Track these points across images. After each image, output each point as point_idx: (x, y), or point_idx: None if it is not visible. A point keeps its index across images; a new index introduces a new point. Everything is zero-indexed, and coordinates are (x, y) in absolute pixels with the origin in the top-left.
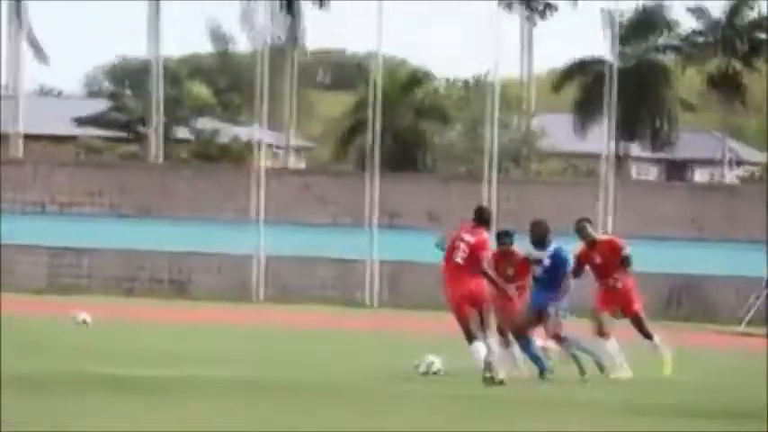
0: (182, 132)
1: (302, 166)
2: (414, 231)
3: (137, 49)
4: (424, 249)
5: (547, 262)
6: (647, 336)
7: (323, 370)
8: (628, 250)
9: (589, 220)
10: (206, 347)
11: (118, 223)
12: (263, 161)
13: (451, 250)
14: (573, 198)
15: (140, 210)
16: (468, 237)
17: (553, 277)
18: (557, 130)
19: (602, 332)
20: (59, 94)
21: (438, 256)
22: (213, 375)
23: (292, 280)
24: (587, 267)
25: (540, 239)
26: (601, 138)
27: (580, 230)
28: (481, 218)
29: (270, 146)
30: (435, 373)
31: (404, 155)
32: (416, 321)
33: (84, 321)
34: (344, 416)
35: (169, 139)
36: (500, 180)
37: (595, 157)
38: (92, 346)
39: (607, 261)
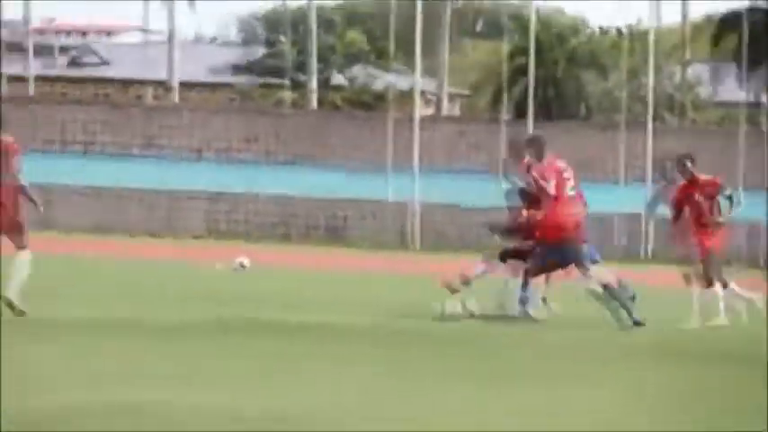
0: (336, 79)
1: (456, 113)
2: None
3: None
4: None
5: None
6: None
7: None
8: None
9: (691, 157)
10: (361, 294)
11: (273, 169)
12: (418, 108)
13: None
14: (729, 147)
15: (295, 156)
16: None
17: None
18: (713, 79)
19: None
20: (214, 40)
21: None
22: (365, 321)
23: (447, 228)
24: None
25: None
26: (761, 87)
27: (681, 167)
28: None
29: (424, 93)
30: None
31: (559, 103)
32: None
33: (242, 265)
34: (493, 363)
35: (323, 86)
36: (656, 129)
37: (756, 106)
38: (253, 291)
39: (709, 200)
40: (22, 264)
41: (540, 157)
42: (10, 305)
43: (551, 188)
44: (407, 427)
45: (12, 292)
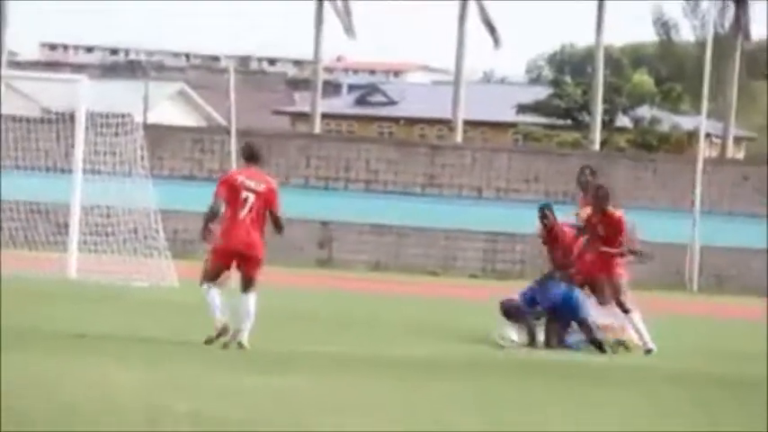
0: (621, 121)
1: (740, 156)
2: None
3: (580, 37)
4: None
5: None
6: None
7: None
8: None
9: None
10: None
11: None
12: (702, 151)
13: None
14: None
15: (576, 196)
16: None
17: None
18: None
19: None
20: (503, 80)
21: None
22: (650, 363)
23: (727, 271)
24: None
25: None
26: None
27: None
28: None
29: (709, 135)
30: None
31: None
32: None
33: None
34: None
35: (608, 127)
36: None
37: None
38: None
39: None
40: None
41: None
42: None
43: None
44: None
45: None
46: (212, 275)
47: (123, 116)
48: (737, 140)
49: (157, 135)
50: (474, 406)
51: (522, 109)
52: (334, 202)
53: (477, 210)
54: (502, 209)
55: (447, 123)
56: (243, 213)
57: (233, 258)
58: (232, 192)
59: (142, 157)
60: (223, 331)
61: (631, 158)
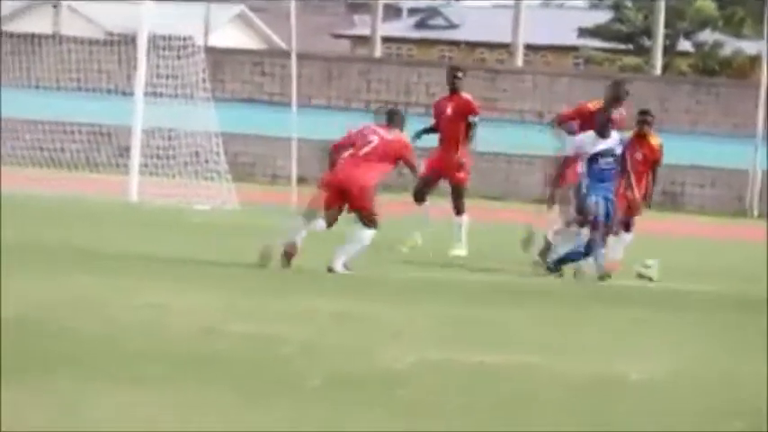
0: (683, 45)
1: None
2: None
3: None
4: None
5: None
6: None
7: None
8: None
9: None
10: (697, 260)
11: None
12: (766, 75)
13: None
14: None
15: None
16: None
17: None
18: None
19: None
20: (563, 4)
21: None
22: (701, 289)
23: None
24: None
25: None
26: None
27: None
28: None
29: None
30: None
31: None
32: None
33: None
34: None
35: (670, 52)
36: None
37: None
38: None
39: None
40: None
41: None
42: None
43: None
44: None
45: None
46: (314, 205)
47: (185, 39)
48: None
49: (218, 58)
50: (528, 325)
51: (583, 33)
52: None
53: (538, 134)
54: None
55: (507, 47)
56: (363, 151)
57: (335, 191)
58: (360, 136)
59: (204, 80)
60: (291, 248)
61: (693, 83)
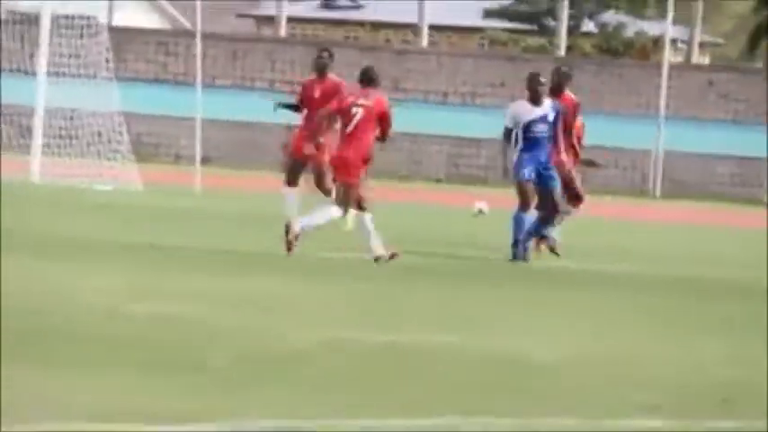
0: (586, 26)
1: (706, 62)
2: None
3: None
4: None
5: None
6: None
7: (718, 266)
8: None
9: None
10: (604, 241)
11: None
12: (668, 56)
13: None
14: None
15: None
16: None
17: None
18: None
19: None
20: None
21: None
22: (605, 269)
23: (690, 176)
24: None
25: None
26: None
27: None
28: None
29: (674, 41)
30: None
31: None
32: None
33: (481, 211)
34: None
35: (574, 33)
36: None
37: None
38: (490, 234)
39: None
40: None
41: None
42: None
43: None
44: None
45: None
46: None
47: (88, 18)
48: (703, 46)
49: (122, 38)
50: (439, 304)
51: (489, 14)
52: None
53: (442, 114)
54: (467, 113)
55: (412, 28)
56: (349, 129)
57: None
58: (344, 112)
59: (107, 60)
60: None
61: (597, 64)
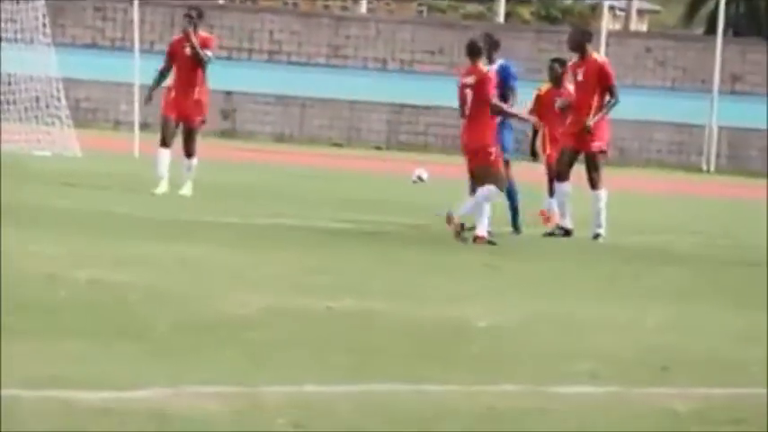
0: None
1: (644, 29)
2: (757, 98)
3: None
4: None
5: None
6: None
7: (662, 235)
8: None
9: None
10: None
11: (456, 82)
12: (606, 22)
13: None
14: None
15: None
16: None
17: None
18: None
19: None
20: None
21: None
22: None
23: (629, 144)
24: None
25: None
26: None
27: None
28: None
29: (612, 8)
30: None
31: (750, 19)
32: (756, 188)
33: (420, 178)
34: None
35: (513, 0)
36: None
37: None
38: (427, 202)
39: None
40: None
41: None
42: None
43: None
44: None
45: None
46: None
47: None
48: (641, 13)
49: (59, 3)
50: (378, 271)
51: None
52: (237, 73)
53: (381, 81)
54: (406, 81)
55: None
56: (467, 110)
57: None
58: (461, 94)
59: (44, 25)
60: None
61: (535, 31)
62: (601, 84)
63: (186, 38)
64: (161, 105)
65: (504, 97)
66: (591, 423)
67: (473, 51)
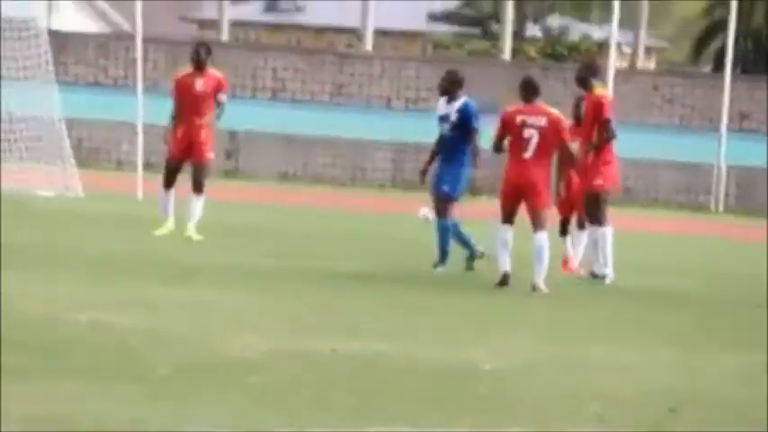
0: (531, 30)
1: (651, 66)
2: (764, 136)
3: None
4: None
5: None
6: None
7: (667, 275)
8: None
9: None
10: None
11: None
12: (613, 60)
13: None
14: None
15: (486, 106)
16: None
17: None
18: None
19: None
20: None
21: None
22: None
23: (635, 183)
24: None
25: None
26: None
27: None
28: None
29: (619, 45)
30: None
31: (757, 56)
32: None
33: (427, 219)
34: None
35: (519, 37)
36: None
37: None
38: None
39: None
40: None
41: None
42: None
43: None
44: None
45: None
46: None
47: (27, 21)
48: (648, 50)
49: (62, 41)
50: (382, 312)
51: (433, 18)
52: (241, 111)
53: (386, 119)
54: (411, 119)
55: (356, 32)
56: (527, 154)
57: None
58: (515, 129)
59: (47, 63)
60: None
61: (541, 68)
62: (597, 119)
63: (199, 74)
64: (167, 144)
65: (467, 136)
66: None
67: (535, 91)
